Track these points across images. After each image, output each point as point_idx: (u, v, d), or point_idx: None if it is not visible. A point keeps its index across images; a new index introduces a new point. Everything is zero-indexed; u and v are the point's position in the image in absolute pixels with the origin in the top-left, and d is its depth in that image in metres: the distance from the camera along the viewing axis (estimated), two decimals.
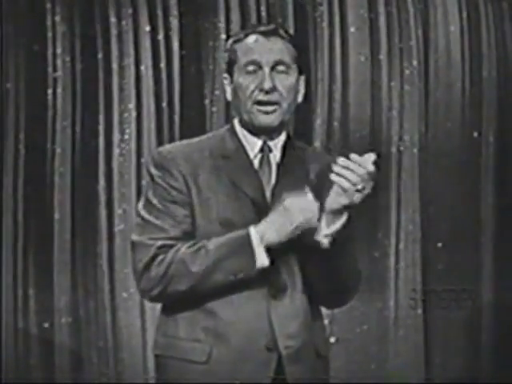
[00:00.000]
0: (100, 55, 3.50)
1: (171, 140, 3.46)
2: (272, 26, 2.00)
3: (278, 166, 1.97)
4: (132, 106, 3.51)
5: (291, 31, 3.47)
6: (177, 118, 3.52)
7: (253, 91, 1.92)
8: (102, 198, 3.50)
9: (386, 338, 3.58)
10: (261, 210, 1.90)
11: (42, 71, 3.47)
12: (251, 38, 1.96)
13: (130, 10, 3.49)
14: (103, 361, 3.49)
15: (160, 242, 1.89)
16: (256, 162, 1.97)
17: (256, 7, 3.53)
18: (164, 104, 3.52)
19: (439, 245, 3.62)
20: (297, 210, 1.84)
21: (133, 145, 3.51)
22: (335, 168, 1.79)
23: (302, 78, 2.00)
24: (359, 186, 1.78)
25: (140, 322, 3.47)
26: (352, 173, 1.78)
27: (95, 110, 3.50)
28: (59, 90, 3.47)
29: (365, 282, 2.06)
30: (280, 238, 1.85)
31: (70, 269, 3.48)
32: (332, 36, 3.56)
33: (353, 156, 1.79)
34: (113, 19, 3.48)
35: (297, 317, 1.89)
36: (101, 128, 3.51)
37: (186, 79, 3.52)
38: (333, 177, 1.80)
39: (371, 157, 1.78)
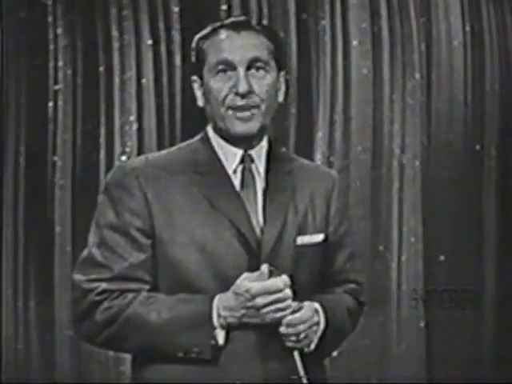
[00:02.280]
0: (101, 68, 3.48)
1: None
2: (243, 18, 1.80)
3: (263, 181, 1.75)
4: (133, 118, 3.49)
5: (293, 45, 3.46)
6: (178, 131, 3.50)
7: (226, 95, 1.69)
8: None
9: (388, 352, 3.55)
10: (246, 241, 1.68)
11: (43, 84, 3.46)
12: (220, 34, 1.71)
13: (132, 24, 3.48)
14: (104, 374, 3.46)
15: (101, 287, 1.64)
16: (236, 180, 1.73)
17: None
18: (165, 117, 3.51)
19: (441, 258, 3.59)
20: (255, 294, 1.60)
21: (134, 157, 3.47)
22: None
23: (282, 74, 1.77)
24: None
25: None
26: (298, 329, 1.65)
27: (96, 123, 3.49)
28: (60, 103, 3.46)
29: (366, 295, 1.98)
30: (241, 322, 1.64)
31: (71, 281, 3.46)
32: (334, 49, 3.54)
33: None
34: (114, 32, 3.47)
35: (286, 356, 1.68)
36: (102, 141, 3.49)
37: (187, 93, 3.45)
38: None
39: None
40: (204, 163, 1.73)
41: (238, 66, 1.69)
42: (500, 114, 3.60)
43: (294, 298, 1.66)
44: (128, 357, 3.41)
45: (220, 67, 1.70)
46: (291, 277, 1.65)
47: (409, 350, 3.55)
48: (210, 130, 1.78)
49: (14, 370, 3.44)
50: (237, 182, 1.74)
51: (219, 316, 1.63)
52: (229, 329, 1.64)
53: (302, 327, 1.65)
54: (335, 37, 3.54)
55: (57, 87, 3.47)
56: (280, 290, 1.60)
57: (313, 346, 1.69)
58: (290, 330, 1.64)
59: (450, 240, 3.59)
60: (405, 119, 3.58)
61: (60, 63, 3.47)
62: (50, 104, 3.48)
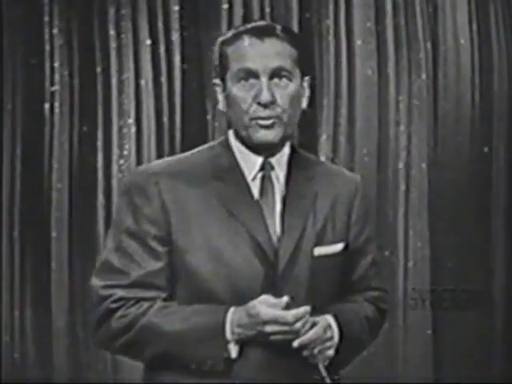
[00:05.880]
0: (99, 69, 3.44)
1: (172, 156, 3.41)
2: (266, 24, 1.77)
3: (283, 188, 1.73)
4: (131, 120, 3.45)
5: None
6: (178, 133, 3.46)
7: (250, 105, 1.67)
8: (101, 214, 3.44)
9: (395, 359, 3.49)
10: (263, 251, 1.68)
11: (39, 85, 3.42)
12: (243, 41, 1.69)
13: (130, 23, 3.43)
14: (102, 383, 3.40)
15: (117, 295, 1.65)
16: (255, 188, 1.72)
17: (259, 20, 3.47)
18: (165, 119, 3.46)
19: (449, 263, 3.52)
20: (266, 318, 1.60)
21: (132, 161, 3.44)
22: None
23: (306, 79, 1.76)
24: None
25: None
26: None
27: (93, 125, 3.45)
28: (56, 105, 3.43)
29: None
30: (253, 339, 1.64)
31: (68, 288, 3.42)
32: (338, 49, 3.49)
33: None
34: (112, 32, 3.43)
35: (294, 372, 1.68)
36: (99, 143, 3.45)
37: (187, 94, 3.44)
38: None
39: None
40: (224, 170, 1.72)
41: (261, 76, 1.67)
42: (509, 114, 3.55)
43: (314, 310, 1.65)
44: (126, 365, 3.41)
45: (242, 75, 1.69)
46: (311, 290, 1.68)
47: (415, 357, 3.50)
48: (231, 135, 1.77)
49: (11, 378, 3.38)
50: (256, 189, 1.73)
51: (232, 331, 1.63)
52: (242, 343, 1.65)
53: (313, 345, 1.65)
54: (339, 36, 3.50)
55: (53, 88, 3.44)
56: (288, 324, 1.60)
57: (327, 361, 1.69)
58: (304, 348, 1.64)
59: (458, 244, 3.53)
60: (411, 120, 3.54)
61: (56, 64, 3.44)
62: (47, 106, 3.44)
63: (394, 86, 3.51)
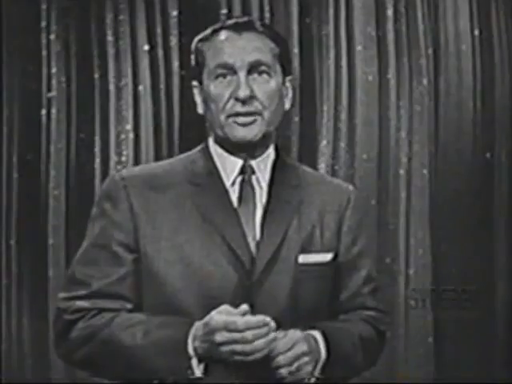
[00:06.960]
0: (96, 75, 3.42)
1: None
2: (245, 19, 1.68)
3: (265, 194, 1.63)
4: (129, 127, 3.41)
5: (296, 50, 3.39)
6: (176, 139, 3.43)
7: (227, 101, 1.58)
8: None
9: (396, 369, 3.45)
10: (238, 258, 1.57)
11: (36, 91, 3.39)
12: (220, 36, 1.61)
13: (128, 29, 3.41)
14: None
15: (76, 305, 1.56)
16: (234, 194, 1.63)
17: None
18: (163, 125, 3.43)
19: (451, 270, 3.49)
20: (222, 331, 1.46)
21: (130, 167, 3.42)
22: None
23: (288, 79, 1.68)
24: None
25: None
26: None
27: (91, 132, 3.42)
28: (54, 111, 3.40)
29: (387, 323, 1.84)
30: (208, 353, 1.49)
31: None
32: (338, 54, 3.47)
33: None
34: (110, 38, 3.40)
35: None
36: (97, 150, 3.41)
37: (185, 100, 3.40)
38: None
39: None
40: (201, 174, 1.64)
41: (239, 70, 1.59)
42: (510, 120, 3.52)
43: (298, 322, 1.55)
44: None
45: (220, 71, 1.61)
46: (294, 298, 1.57)
47: (417, 366, 3.47)
48: (210, 140, 1.69)
49: None
50: (234, 195, 1.64)
51: (194, 346, 1.50)
52: (205, 360, 1.51)
53: (281, 358, 1.50)
54: (339, 42, 3.47)
55: (50, 94, 3.41)
56: (238, 330, 1.45)
57: (313, 380, 1.55)
58: (275, 363, 1.50)
59: (460, 252, 3.51)
60: (412, 126, 3.51)
61: (53, 70, 3.41)
62: (43, 112, 3.41)
63: (394, 92, 3.49)
